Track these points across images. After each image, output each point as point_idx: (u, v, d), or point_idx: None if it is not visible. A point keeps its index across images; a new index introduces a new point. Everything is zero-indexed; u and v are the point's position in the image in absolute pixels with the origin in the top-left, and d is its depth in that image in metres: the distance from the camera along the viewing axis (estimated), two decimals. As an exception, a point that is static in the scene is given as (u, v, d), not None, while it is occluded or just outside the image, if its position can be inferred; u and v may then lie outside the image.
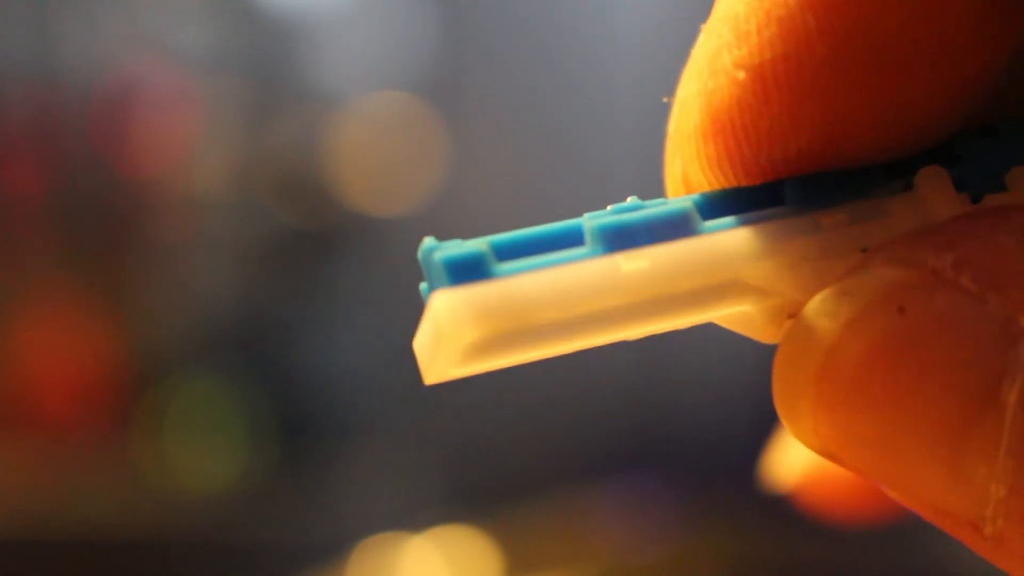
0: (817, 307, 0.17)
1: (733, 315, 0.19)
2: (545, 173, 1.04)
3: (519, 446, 0.99)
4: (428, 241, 0.17)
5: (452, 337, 0.17)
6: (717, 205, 0.19)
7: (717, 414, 0.97)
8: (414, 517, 0.86)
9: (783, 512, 0.37)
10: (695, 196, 0.19)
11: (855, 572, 0.78)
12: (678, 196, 0.20)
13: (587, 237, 0.18)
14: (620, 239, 0.18)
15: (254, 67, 1.05)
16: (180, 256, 1.04)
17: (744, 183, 0.19)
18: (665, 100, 0.20)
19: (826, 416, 0.17)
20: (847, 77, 0.18)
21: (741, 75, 0.18)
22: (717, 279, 0.18)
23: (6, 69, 1.02)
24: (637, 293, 0.17)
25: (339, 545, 0.84)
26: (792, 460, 0.34)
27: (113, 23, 1.04)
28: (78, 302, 1.03)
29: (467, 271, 0.17)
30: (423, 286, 0.18)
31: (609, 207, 0.18)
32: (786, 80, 0.18)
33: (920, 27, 0.18)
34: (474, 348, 0.17)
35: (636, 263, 0.17)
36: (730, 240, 0.18)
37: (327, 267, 1.05)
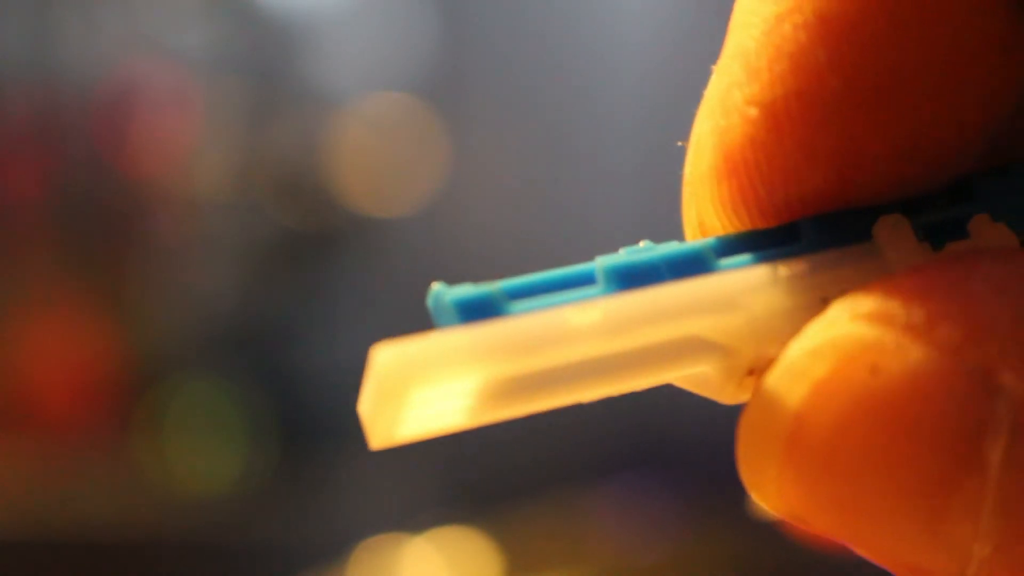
0: (784, 368, 0.17)
1: (690, 374, 0.18)
2: (545, 174, 1.04)
3: (519, 447, 0.99)
4: (438, 287, 0.17)
5: (393, 391, 0.16)
6: (733, 247, 0.18)
7: (717, 415, 0.96)
8: (414, 518, 0.86)
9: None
10: (711, 239, 0.18)
11: (855, 572, 0.78)
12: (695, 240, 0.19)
13: (599, 277, 0.17)
14: (631, 279, 0.17)
15: (254, 67, 1.05)
16: (180, 256, 1.04)
17: (759, 225, 0.18)
18: (680, 144, 0.19)
19: (795, 480, 0.16)
20: (860, 111, 0.17)
21: (753, 112, 0.18)
22: (671, 334, 0.17)
23: (6, 69, 1.02)
24: (588, 348, 0.16)
25: (339, 545, 0.84)
26: None
27: (113, 23, 1.04)
28: (78, 302, 1.03)
29: (475, 311, 0.16)
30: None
31: (621, 250, 0.18)
32: (799, 116, 0.17)
33: (933, 58, 0.17)
34: (416, 403, 0.16)
35: (586, 315, 0.17)
36: (684, 293, 0.17)
37: (327, 267, 1.05)
